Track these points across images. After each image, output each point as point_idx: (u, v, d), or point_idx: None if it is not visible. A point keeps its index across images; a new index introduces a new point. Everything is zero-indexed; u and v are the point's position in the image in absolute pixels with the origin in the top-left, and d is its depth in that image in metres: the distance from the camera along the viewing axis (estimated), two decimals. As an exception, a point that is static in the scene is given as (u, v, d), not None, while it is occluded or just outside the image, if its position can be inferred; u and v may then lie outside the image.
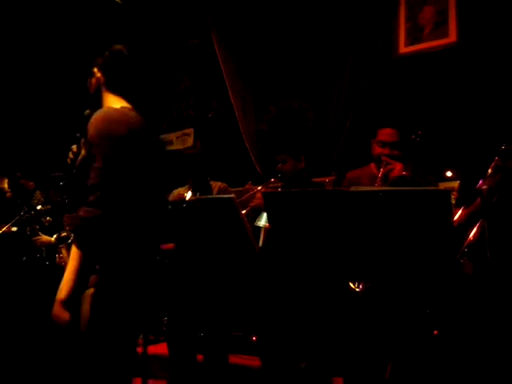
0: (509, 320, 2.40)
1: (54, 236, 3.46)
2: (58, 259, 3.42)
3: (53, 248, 3.62)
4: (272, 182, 3.17)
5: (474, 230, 2.35)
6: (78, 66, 5.62)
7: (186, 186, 3.34)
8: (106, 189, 1.65)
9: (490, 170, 2.40)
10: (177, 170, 3.32)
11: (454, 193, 2.94)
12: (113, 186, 1.67)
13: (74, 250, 1.63)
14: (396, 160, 2.71)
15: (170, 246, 3.14)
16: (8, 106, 5.52)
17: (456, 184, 3.26)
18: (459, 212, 2.43)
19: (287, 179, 3.11)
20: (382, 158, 2.74)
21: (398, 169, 2.65)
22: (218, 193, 3.17)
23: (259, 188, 3.18)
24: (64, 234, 3.38)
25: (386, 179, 2.67)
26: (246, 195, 3.07)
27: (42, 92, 5.64)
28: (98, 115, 1.74)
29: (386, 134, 2.82)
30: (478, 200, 2.41)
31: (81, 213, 1.62)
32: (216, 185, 3.28)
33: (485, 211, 2.42)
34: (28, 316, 3.35)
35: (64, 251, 3.38)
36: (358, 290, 2.42)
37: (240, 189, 3.46)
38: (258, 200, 3.04)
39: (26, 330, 3.33)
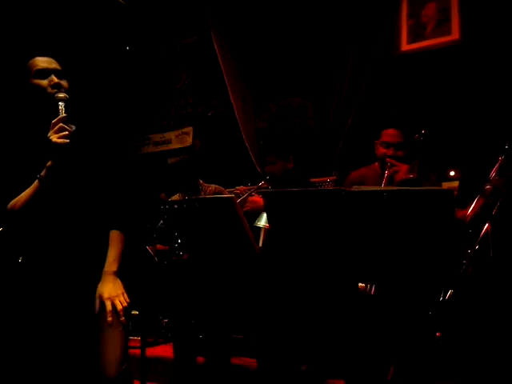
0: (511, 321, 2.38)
1: None
2: None
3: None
4: (262, 185, 3.18)
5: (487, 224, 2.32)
6: (78, 65, 5.62)
7: (177, 195, 3.34)
8: None
9: (494, 170, 2.38)
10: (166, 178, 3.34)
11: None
12: None
13: (118, 234, 1.92)
14: (400, 161, 2.69)
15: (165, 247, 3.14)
16: (6, 106, 5.50)
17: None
18: (472, 205, 2.40)
19: (277, 180, 3.11)
20: (387, 159, 2.72)
21: (403, 170, 2.63)
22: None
23: (251, 192, 3.19)
24: None
25: (391, 181, 2.65)
26: (238, 200, 3.05)
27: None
28: None
29: (389, 134, 2.80)
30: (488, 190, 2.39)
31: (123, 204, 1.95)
32: (210, 188, 3.28)
33: (488, 211, 2.40)
34: (25, 316, 3.32)
35: None
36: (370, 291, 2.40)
37: (231, 190, 3.45)
38: (251, 204, 3.04)
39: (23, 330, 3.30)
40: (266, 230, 2.84)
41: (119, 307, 1.80)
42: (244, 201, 3.13)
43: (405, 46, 4.12)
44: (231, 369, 3.06)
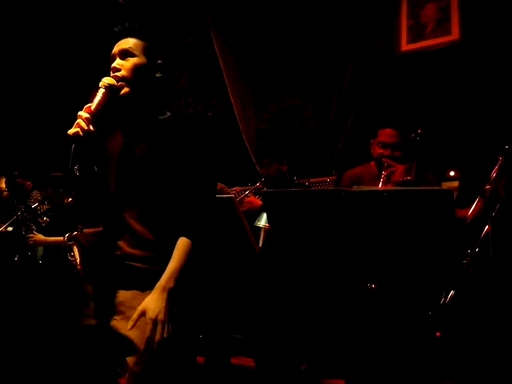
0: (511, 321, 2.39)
1: (66, 235, 3.45)
2: (69, 257, 3.43)
3: (51, 248, 3.61)
4: (258, 186, 3.22)
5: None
6: (78, 65, 5.62)
7: None
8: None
9: (494, 171, 2.38)
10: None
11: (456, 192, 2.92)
12: None
13: (187, 243, 1.59)
14: (397, 161, 2.69)
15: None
16: (7, 106, 5.50)
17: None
18: (473, 205, 2.40)
19: (272, 182, 3.15)
20: (384, 159, 2.72)
21: (399, 171, 2.63)
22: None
23: (247, 193, 3.23)
24: (75, 233, 3.37)
25: (388, 181, 2.65)
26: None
27: (41, 92, 5.63)
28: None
29: (386, 134, 2.80)
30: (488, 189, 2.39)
31: (202, 209, 1.64)
32: None
33: (488, 211, 2.40)
34: (21, 316, 3.33)
35: (75, 250, 3.39)
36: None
37: (233, 190, 3.48)
38: (248, 204, 3.08)
39: (20, 330, 3.30)
40: (266, 229, 2.85)
41: (157, 337, 1.47)
42: (241, 201, 3.16)
43: (405, 46, 4.12)
44: (231, 368, 3.07)
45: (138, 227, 1.65)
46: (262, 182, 3.22)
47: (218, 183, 3.35)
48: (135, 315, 1.50)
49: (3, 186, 4.14)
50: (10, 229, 3.53)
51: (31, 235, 3.48)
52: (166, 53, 1.79)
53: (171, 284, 1.53)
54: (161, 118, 1.78)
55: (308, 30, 4.57)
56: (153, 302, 1.50)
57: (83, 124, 1.57)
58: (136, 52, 1.70)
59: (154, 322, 1.48)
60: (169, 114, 1.81)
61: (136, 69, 1.69)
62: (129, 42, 1.72)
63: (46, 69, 5.63)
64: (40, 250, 3.67)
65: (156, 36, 1.77)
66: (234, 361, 3.21)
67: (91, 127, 1.58)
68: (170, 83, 5.55)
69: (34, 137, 5.51)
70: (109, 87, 1.65)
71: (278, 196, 2.13)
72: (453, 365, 2.66)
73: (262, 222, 2.86)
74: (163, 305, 1.50)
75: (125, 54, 1.71)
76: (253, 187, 3.27)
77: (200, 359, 3.04)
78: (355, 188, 1.88)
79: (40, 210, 3.58)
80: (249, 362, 3.32)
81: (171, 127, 1.73)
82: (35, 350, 2.82)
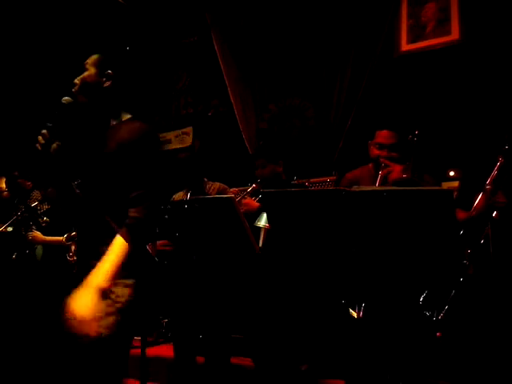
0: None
1: (65, 235, 3.47)
2: (68, 257, 3.44)
3: (51, 247, 3.61)
4: (254, 187, 3.21)
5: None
6: (77, 64, 5.61)
7: (184, 191, 3.35)
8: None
9: (494, 171, 2.39)
10: (172, 174, 3.33)
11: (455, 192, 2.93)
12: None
13: (120, 243, 1.63)
14: (394, 162, 2.69)
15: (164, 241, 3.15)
16: (6, 106, 5.51)
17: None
18: (478, 197, 2.42)
19: (267, 183, 3.15)
20: (381, 160, 2.72)
21: (396, 171, 2.63)
22: (217, 194, 3.19)
23: (244, 194, 3.23)
24: (74, 233, 3.39)
25: (385, 181, 2.65)
26: None
27: (41, 92, 5.63)
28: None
29: (383, 136, 2.80)
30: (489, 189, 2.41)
31: (136, 213, 1.68)
32: (215, 186, 3.29)
33: (488, 211, 2.40)
34: (19, 314, 3.33)
35: (74, 249, 3.40)
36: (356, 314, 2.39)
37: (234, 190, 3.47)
38: (245, 206, 3.07)
39: (18, 328, 3.30)
40: (266, 229, 2.85)
41: (87, 332, 1.50)
42: (238, 203, 3.16)
43: (405, 46, 4.12)
44: (231, 369, 3.07)
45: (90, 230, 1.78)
46: (258, 182, 3.22)
47: (221, 184, 3.36)
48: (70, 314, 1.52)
49: (3, 185, 4.14)
50: (9, 229, 3.53)
51: (30, 233, 3.50)
52: (124, 63, 1.94)
53: (99, 281, 1.55)
54: (114, 122, 1.88)
55: (308, 29, 4.57)
56: (78, 300, 1.53)
57: (40, 139, 1.74)
58: (88, 66, 1.87)
59: (81, 318, 1.50)
60: (128, 117, 1.88)
61: (83, 81, 1.86)
62: (90, 58, 1.89)
63: (45, 68, 5.64)
64: (39, 249, 3.67)
65: (113, 47, 1.92)
66: (233, 361, 3.21)
67: (54, 141, 1.75)
68: (169, 83, 5.55)
69: (35, 137, 5.50)
70: (67, 103, 1.80)
71: (278, 196, 2.13)
72: (453, 365, 2.66)
73: (262, 222, 2.85)
74: (88, 301, 1.52)
75: (84, 70, 1.88)
76: (250, 188, 3.26)
77: (200, 359, 3.05)
78: (355, 188, 1.87)
79: (40, 209, 3.59)
80: (248, 362, 3.32)
81: (117, 132, 1.82)
82: (34, 347, 2.82)
